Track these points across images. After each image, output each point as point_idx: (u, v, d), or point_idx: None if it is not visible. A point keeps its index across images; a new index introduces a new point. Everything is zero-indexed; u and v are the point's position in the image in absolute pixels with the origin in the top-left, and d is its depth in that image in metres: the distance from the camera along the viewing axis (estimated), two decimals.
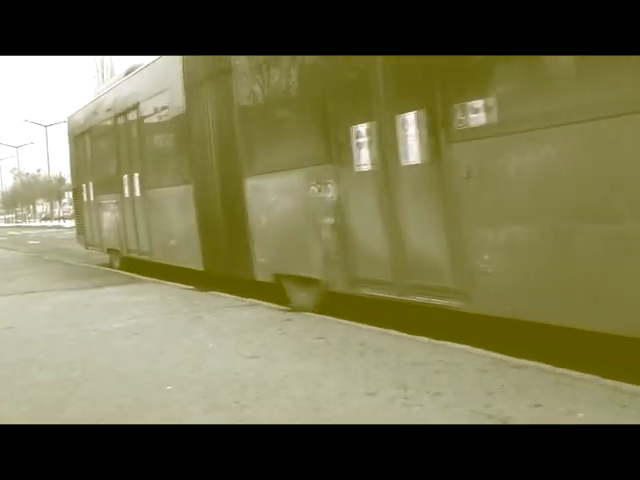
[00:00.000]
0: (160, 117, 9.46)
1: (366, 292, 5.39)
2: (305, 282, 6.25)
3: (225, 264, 7.72)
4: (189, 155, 8.42)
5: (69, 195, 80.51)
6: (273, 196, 6.61)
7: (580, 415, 2.96)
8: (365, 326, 5.11)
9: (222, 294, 7.28)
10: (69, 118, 14.46)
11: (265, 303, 6.50)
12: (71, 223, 53.44)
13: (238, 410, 3.33)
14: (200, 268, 8.37)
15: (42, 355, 4.83)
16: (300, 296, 6.39)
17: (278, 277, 6.72)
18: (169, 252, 9.46)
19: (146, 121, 9.97)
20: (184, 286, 8.29)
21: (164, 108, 9.15)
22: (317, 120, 5.84)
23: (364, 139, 5.21)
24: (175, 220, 9.12)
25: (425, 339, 4.59)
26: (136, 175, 10.28)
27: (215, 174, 7.76)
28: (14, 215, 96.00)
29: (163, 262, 9.70)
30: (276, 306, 6.28)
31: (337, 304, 5.89)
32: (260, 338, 4.97)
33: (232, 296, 7.11)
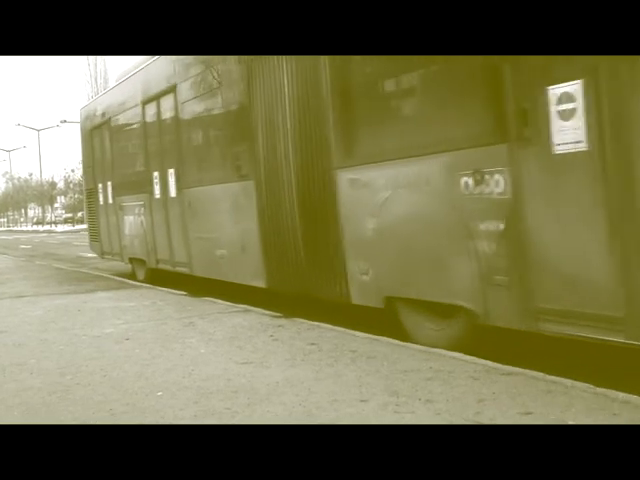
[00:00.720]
0: (208, 100, 7.70)
1: (560, 330, 3.83)
2: (441, 311, 4.75)
3: (299, 281, 6.15)
4: (250, 144, 6.73)
5: (61, 200, 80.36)
6: (387, 193, 4.95)
7: (570, 423, 2.97)
8: (358, 333, 5.12)
9: (215, 300, 7.26)
10: (82, 110, 12.77)
11: (258, 309, 6.49)
12: (62, 228, 53.45)
13: (229, 416, 3.32)
14: (260, 284, 6.84)
15: (33, 360, 4.81)
16: (428, 328, 4.90)
17: (392, 301, 5.15)
18: (216, 264, 7.77)
19: (187, 106, 8.18)
20: (177, 292, 8.27)
21: (214, 89, 7.46)
22: (478, 78, 4.21)
23: (574, 105, 3.55)
24: (226, 225, 7.48)
25: (417, 346, 4.60)
26: (171, 172, 8.73)
27: (288, 167, 6.14)
28: (5, 219, 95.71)
29: (206, 276, 8.15)
30: (269, 312, 6.28)
31: (489, 342, 4.44)
32: (252, 344, 4.97)
33: (225, 302, 7.10)
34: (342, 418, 3.19)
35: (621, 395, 3.29)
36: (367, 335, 5.03)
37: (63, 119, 58.86)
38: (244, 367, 4.28)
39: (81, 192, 64.35)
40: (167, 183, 8.84)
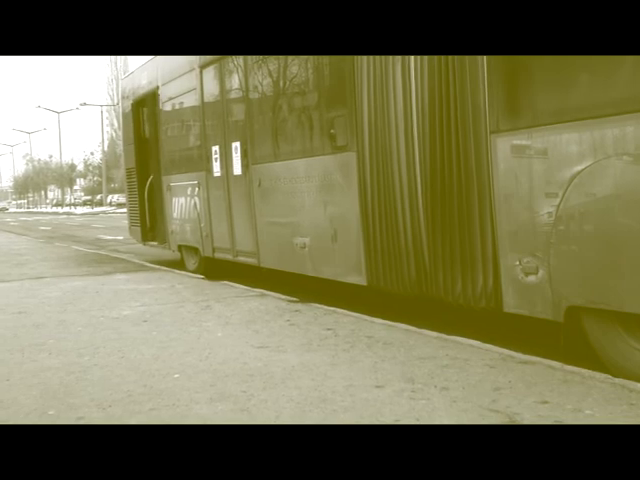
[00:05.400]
0: (290, 56, 6.42)
1: None
2: None
3: (417, 280, 4.94)
4: (351, 107, 5.46)
5: (80, 182, 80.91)
6: (583, 164, 3.63)
7: (587, 412, 2.95)
8: (375, 319, 5.11)
9: (232, 284, 7.28)
10: (123, 80, 11.53)
11: (274, 294, 6.49)
12: (81, 210, 53.78)
13: (245, 399, 3.34)
14: (358, 281, 5.62)
15: (52, 340, 4.86)
16: (636, 349, 3.65)
17: (576, 313, 3.86)
18: (293, 255, 6.53)
19: (259, 66, 6.99)
20: (194, 275, 8.31)
21: None
22: None
23: None
24: (310, 207, 6.21)
25: (434, 333, 4.59)
26: (235, 145, 7.46)
27: (409, 133, 4.86)
28: (26, 201, 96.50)
29: (279, 269, 6.95)
30: (285, 297, 6.28)
31: None
32: (269, 328, 4.98)
33: (242, 286, 7.11)
34: (357, 404, 3.20)
35: (639, 386, 3.27)
36: (384, 321, 5.02)
37: (83, 102, 59.27)
38: (260, 351, 4.30)
39: (100, 175, 64.67)
40: (230, 159, 7.58)
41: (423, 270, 4.88)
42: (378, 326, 4.91)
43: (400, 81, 4.90)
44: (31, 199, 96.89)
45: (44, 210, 70.27)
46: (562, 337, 3.98)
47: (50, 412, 3.24)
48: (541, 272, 3.97)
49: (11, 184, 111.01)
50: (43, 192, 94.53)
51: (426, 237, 4.82)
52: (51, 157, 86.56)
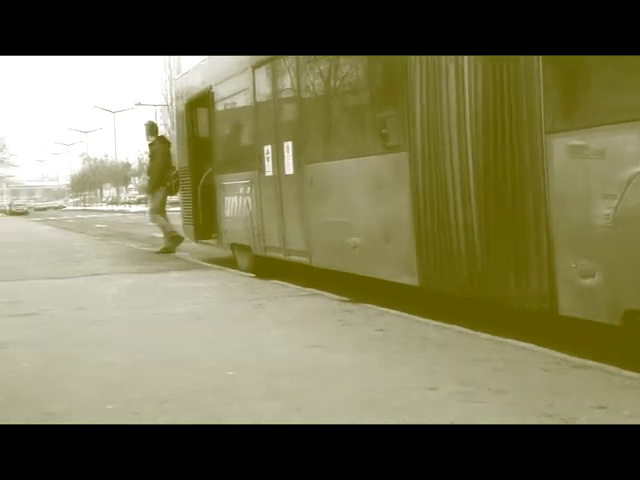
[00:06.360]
0: (343, 56, 6.27)
1: None
2: None
3: (470, 280, 4.85)
4: (403, 107, 5.42)
5: (135, 181, 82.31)
6: None
7: None
8: (428, 320, 5.09)
9: (283, 283, 7.33)
10: (177, 80, 11.76)
11: (326, 293, 6.51)
12: (136, 208, 54.68)
13: (297, 398, 3.37)
14: (410, 282, 5.57)
15: (109, 336, 4.97)
16: None
17: (634, 317, 3.71)
18: (345, 255, 6.50)
19: (311, 66, 6.94)
20: (246, 274, 8.39)
21: None
22: None
23: None
24: (362, 207, 6.20)
25: (487, 336, 4.54)
26: (287, 145, 7.46)
27: (462, 134, 4.79)
28: (82, 199, 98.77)
29: (331, 268, 6.92)
30: (337, 297, 6.30)
31: None
32: (321, 328, 5.00)
33: (293, 285, 7.15)
34: (409, 405, 3.20)
35: None
36: (437, 323, 4.99)
37: (138, 101, 60.34)
38: (313, 350, 4.32)
39: None
40: (282, 158, 7.57)
41: (476, 271, 4.81)
42: (431, 327, 4.89)
43: (453, 81, 4.84)
44: (87, 197, 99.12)
45: (100, 208, 71.78)
46: (619, 341, 3.90)
47: (109, 406, 3.33)
48: (598, 275, 3.88)
49: (68, 182, 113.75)
50: (99, 190, 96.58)
51: (479, 238, 4.75)
52: (106, 156, 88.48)
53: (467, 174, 4.80)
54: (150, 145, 11.56)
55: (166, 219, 11.47)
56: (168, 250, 11.05)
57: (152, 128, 11.69)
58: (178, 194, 11.72)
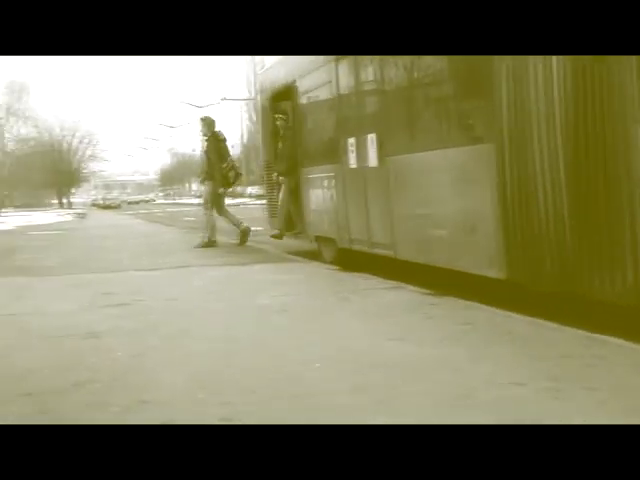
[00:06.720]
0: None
1: None
2: None
3: (564, 274, 4.71)
4: (488, 98, 5.34)
5: None
6: None
7: None
8: (513, 314, 4.99)
9: (367, 275, 7.33)
10: (261, 75, 11.86)
11: (410, 286, 6.48)
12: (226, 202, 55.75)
13: (384, 391, 3.37)
14: (496, 275, 5.47)
15: (199, 327, 5.11)
16: None
17: None
18: (430, 247, 6.45)
19: (396, 59, 6.77)
20: (330, 266, 8.44)
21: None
22: None
23: None
24: (447, 198, 6.11)
25: (578, 331, 4.42)
26: (371, 137, 7.41)
27: (552, 125, 4.66)
28: (171, 192, 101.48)
29: (415, 261, 6.83)
30: (421, 289, 6.25)
31: None
32: (405, 321, 4.99)
33: (376, 278, 7.14)
34: (498, 401, 3.15)
35: None
36: (524, 317, 4.89)
37: (223, 96, 61.54)
38: (398, 344, 4.31)
39: (240, 167, 66.71)
40: (365, 151, 7.57)
41: (567, 265, 4.69)
42: (518, 322, 4.80)
43: (542, 71, 4.74)
44: (176, 190, 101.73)
45: (188, 201, 73.49)
46: None
47: (199, 395, 3.42)
48: None
49: (157, 177, 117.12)
50: (187, 184, 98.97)
51: (570, 231, 4.63)
52: (194, 150, 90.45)
53: (557, 166, 4.69)
54: (206, 140, 11.86)
55: (223, 213, 11.69)
56: (208, 244, 11.28)
57: (209, 124, 11.87)
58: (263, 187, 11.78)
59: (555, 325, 4.61)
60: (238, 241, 11.49)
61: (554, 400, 3.12)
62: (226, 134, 11.89)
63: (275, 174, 10.78)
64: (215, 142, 11.62)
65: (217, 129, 11.76)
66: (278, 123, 10.66)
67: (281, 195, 10.42)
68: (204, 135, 11.81)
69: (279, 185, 10.59)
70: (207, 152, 11.71)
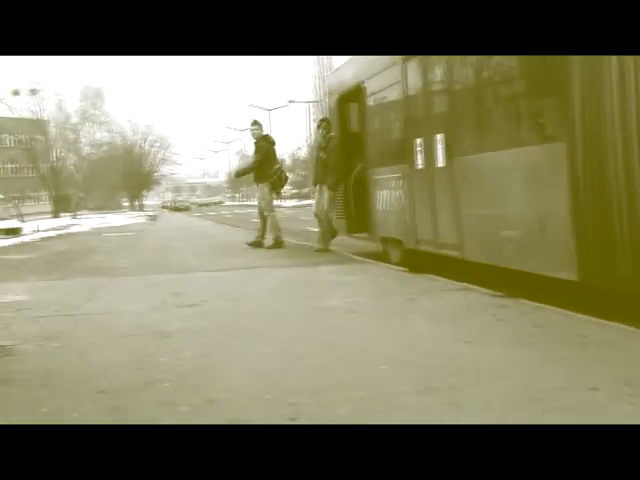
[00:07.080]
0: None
1: None
2: None
3: None
4: (561, 96, 5.26)
5: (289, 176, 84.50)
6: None
7: None
8: (587, 317, 4.86)
9: (434, 277, 7.25)
10: (329, 76, 11.99)
11: (479, 288, 6.38)
12: (290, 203, 56.14)
13: (452, 394, 3.33)
14: (568, 276, 5.35)
15: (266, 327, 5.15)
16: None
17: None
18: (499, 248, 6.35)
19: (464, 58, 6.73)
20: (397, 268, 8.39)
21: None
22: None
23: None
24: (517, 199, 5.99)
25: None
26: (439, 137, 7.39)
27: (627, 122, 4.58)
28: (239, 194, 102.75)
29: (484, 262, 6.75)
30: (490, 291, 6.15)
31: None
32: (474, 323, 4.91)
33: (444, 279, 7.06)
34: (571, 406, 3.07)
35: None
36: (597, 320, 4.76)
37: (291, 99, 61.99)
38: (467, 346, 4.25)
39: (307, 169, 67.23)
40: (433, 151, 7.52)
41: None
42: (591, 324, 4.67)
43: (616, 69, 4.63)
44: (244, 192, 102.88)
45: (254, 203, 74.35)
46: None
47: (267, 396, 3.45)
48: None
49: (225, 179, 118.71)
50: (255, 186, 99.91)
51: None
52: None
53: (632, 165, 4.58)
54: (256, 143, 12.12)
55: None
56: (275, 245, 11.50)
57: (259, 127, 12.24)
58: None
59: (631, 328, 4.46)
60: (272, 243, 11.65)
61: (629, 405, 3.02)
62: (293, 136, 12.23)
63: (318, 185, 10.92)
64: (267, 144, 11.90)
65: (266, 132, 12.16)
66: (320, 131, 10.93)
67: (324, 204, 10.61)
68: (254, 138, 12.16)
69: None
70: (256, 154, 12.01)
